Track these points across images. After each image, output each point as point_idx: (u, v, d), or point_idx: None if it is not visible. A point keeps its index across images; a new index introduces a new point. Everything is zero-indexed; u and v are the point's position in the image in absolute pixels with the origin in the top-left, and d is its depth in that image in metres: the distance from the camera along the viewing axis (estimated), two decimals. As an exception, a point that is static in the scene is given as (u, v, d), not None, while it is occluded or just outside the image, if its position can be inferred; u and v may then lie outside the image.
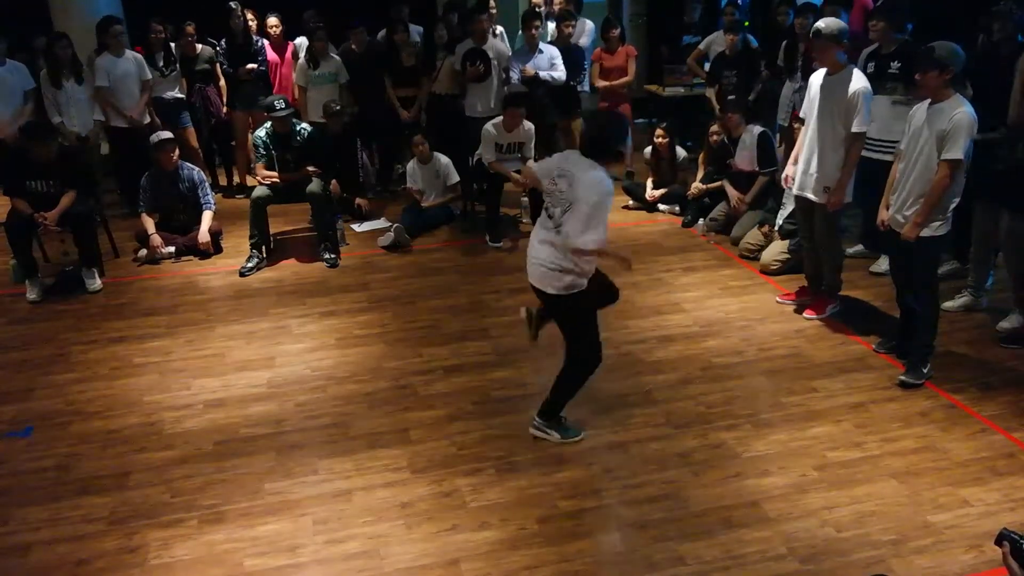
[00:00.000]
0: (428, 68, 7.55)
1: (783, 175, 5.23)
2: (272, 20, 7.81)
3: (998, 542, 2.27)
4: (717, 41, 7.90)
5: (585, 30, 8.14)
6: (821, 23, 4.67)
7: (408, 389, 4.56)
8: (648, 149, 7.40)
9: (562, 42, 7.44)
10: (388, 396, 4.49)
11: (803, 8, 6.93)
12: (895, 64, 5.36)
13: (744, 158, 6.47)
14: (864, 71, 5.15)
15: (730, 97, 6.72)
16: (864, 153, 5.41)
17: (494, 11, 7.91)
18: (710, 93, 7.77)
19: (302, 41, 7.87)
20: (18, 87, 6.88)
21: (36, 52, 7.58)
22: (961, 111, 4.00)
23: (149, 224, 6.40)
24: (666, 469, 3.80)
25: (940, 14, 6.57)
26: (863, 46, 5.73)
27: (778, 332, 5.08)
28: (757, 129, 6.40)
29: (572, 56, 7.42)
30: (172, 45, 7.49)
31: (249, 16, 7.68)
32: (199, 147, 7.68)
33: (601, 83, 7.74)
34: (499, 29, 8.07)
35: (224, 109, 7.78)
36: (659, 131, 7.10)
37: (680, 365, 4.71)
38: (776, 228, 6.04)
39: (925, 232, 4.19)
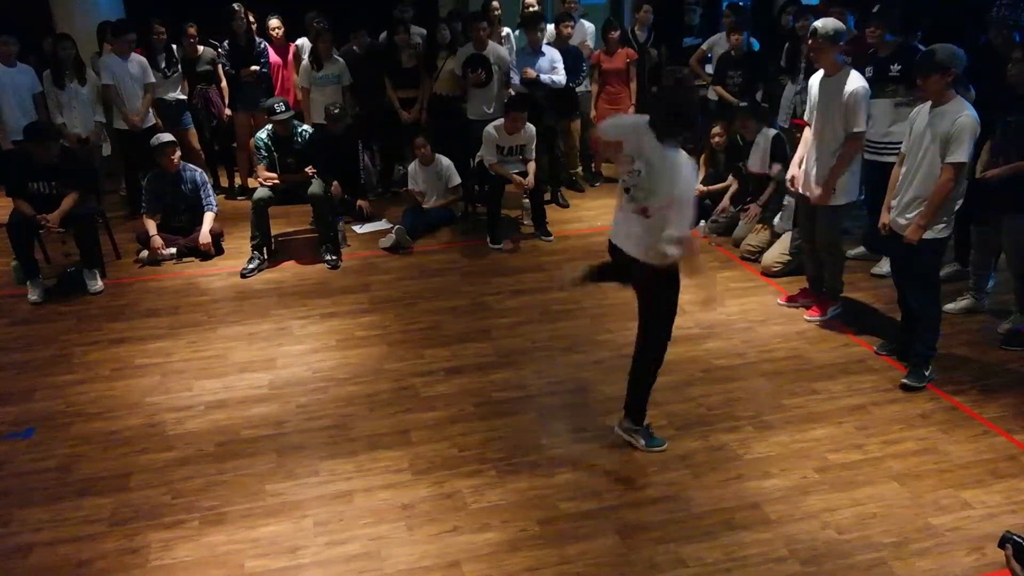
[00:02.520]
0: (429, 69, 7.56)
1: (788, 176, 5.21)
2: (274, 22, 7.82)
3: (1001, 545, 2.28)
4: (720, 43, 7.89)
5: (587, 33, 8.15)
6: (818, 24, 4.67)
7: (409, 391, 4.56)
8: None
9: (561, 43, 7.44)
10: (389, 398, 4.49)
11: (804, 10, 6.93)
12: (895, 67, 5.36)
13: (756, 161, 6.43)
14: (863, 75, 5.14)
15: (742, 104, 6.68)
16: (867, 156, 5.41)
17: (498, 12, 7.91)
18: (713, 93, 7.76)
19: (304, 42, 7.88)
20: (27, 89, 6.91)
21: (46, 53, 7.59)
22: (964, 114, 4.00)
23: (151, 225, 6.41)
24: (667, 471, 3.79)
25: (942, 17, 6.58)
26: (866, 50, 5.73)
27: (779, 334, 5.08)
28: (771, 131, 6.34)
29: (571, 57, 7.42)
30: (173, 47, 7.51)
31: (251, 18, 7.68)
32: (200, 148, 7.69)
33: (603, 107, 7.74)
34: (505, 31, 8.08)
35: (226, 111, 7.79)
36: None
37: (681, 367, 4.71)
38: (779, 230, 6.04)
39: (927, 234, 4.19)
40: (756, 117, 6.43)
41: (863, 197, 5.98)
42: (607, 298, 5.61)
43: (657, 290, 3.66)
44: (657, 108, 3.56)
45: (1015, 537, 2.28)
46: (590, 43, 8.12)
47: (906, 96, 5.32)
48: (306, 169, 6.35)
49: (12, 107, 6.81)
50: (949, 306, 5.14)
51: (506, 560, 3.28)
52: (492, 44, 7.29)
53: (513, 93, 7.06)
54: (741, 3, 8.32)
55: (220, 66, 7.66)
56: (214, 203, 6.60)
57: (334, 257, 6.37)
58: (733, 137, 6.69)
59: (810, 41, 4.72)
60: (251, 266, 6.23)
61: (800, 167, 5.04)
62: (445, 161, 7.14)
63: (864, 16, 5.99)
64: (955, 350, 4.78)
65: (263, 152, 6.37)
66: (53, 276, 6.23)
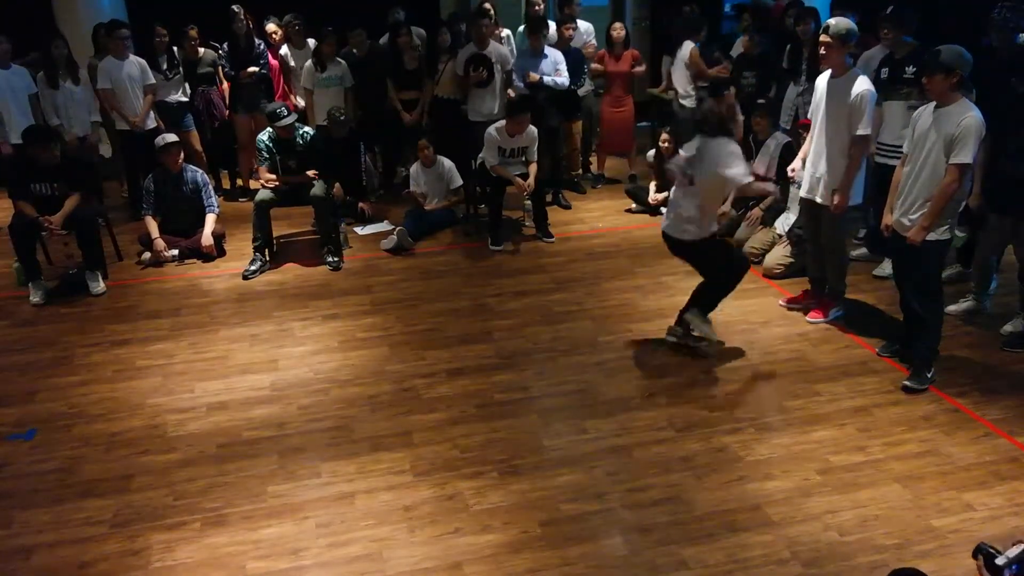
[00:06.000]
0: (431, 72, 7.56)
1: (789, 167, 5.22)
2: (271, 26, 7.83)
3: (974, 555, 2.28)
4: (735, 46, 7.89)
5: (589, 32, 8.15)
6: (832, 21, 4.67)
7: (411, 392, 4.56)
8: (651, 152, 7.39)
9: (563, 45, 7.44)
10: (391, 399, 4.49)
11: (805, 13, 6.93)
12: (910, 69, 5.33)
13: (763, 163, 6.39)
14: (878, 77, 5.13)
15: (760, 101, 6.68)
16: (879, 159, 5.41)
17: (491, 12, 7.92)
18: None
19: (286, 51, 7.86)
20: (23, 90, 6.91)
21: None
22: (970, 115, 4.00)
23: (152, 227, 6.42)
24: (669, 473, 3.79)
25: (944, 18, 6.58)
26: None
27: (781, 336, 5.08)
28: (784, 138, 6.31)
29: (572, 59, 7.43)
30: (175, 48, 7.51)
31: (250, 20, 7.68)
32: (202, 150, 7.70)
33: (607, 110, 7.76)
34: (505, 32, 8.09)
35: (227, 112, 7.79)
36: (664, 135, 7.08)
37: (683, 368, 4.71)
38: (783, 233, 6.02)
39: (930, 236, 4.19)
40: (771, 116, 6.41)
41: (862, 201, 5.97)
42: (609, 300, 5.62)
43: (704, 248, 4.67)
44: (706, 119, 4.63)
45: (988, 548, 2.28)
46: (593, 41, 8.11)
47: (920, 99, 5.29)
48: (308, 172, 6.36)
49: (11, 110, 6.81)
50: (951, 308, 5.13)
51: (508, 562, 3.27)
52: (493, 43, 7.29)
53: (513, 95, 7.06)
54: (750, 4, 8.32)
55: (220, 68, 7.67)
56: (215, 204, 6.61)
57: (336, 259, 6.37)
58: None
59: (822, 37, 4.70)
60: (253, 268, 6.23)
61: (802, 162, 5.03)
62: (447, 163, 7.14)
63: (867, 19, 5.98)
64: (957, 352, 4.78)
65: (264, 154, 6.38)
66: (55, 278, 6.24)
